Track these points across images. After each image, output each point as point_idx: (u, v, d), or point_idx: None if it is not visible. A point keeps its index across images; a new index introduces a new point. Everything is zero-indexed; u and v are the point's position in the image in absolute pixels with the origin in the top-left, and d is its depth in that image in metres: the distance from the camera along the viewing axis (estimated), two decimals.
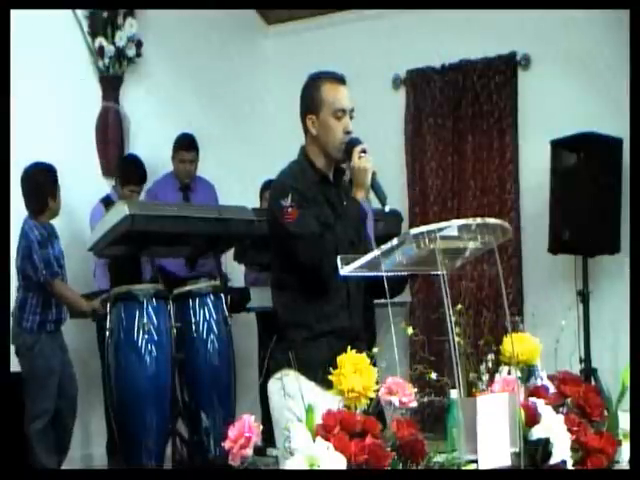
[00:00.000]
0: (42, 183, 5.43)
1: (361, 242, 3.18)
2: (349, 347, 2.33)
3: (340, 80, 3.23)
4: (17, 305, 5.31)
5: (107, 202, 6.03)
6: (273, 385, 3.08)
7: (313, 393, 2.38)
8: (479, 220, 2.49)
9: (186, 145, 6.41)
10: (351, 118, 3.21)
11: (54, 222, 5.51)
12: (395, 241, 2.42)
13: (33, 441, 5.17)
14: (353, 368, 2.23)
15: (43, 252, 5.26)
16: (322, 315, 3.14)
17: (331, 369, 2.27)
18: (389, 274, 2.51)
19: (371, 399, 2.25)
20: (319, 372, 2.67)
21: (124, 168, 6.17)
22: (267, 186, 6.56)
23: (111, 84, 6.60)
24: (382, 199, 3.13)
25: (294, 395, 2.45)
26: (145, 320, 5.07)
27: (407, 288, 6.85)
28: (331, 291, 3.14)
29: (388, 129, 7.14)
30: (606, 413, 2.64)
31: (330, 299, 3.15)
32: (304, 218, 3.08)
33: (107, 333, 5.09)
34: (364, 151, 3.13)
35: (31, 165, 5.45)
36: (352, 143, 3.16)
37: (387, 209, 3.10)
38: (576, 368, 5.29)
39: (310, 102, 3.21)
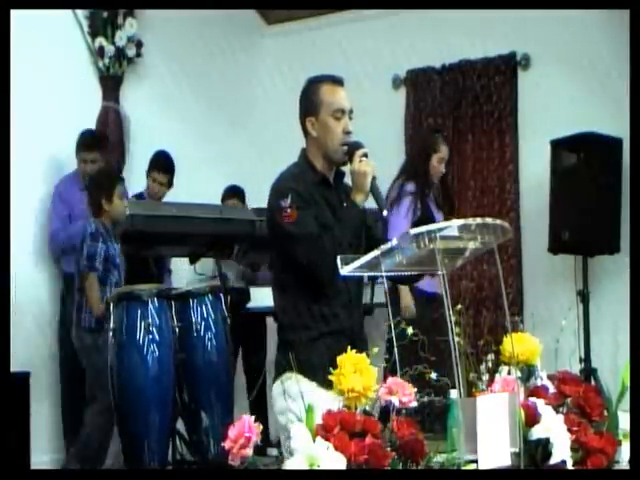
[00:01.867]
0: (99, 185, 5.52)
1: (360, 245, 3.18)
2: (350, 347, 2.33)
3: (338, 82, 3.26)
4: (75, 307, 5.42)
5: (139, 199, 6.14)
6: (277, 388, 3.08)
7: (316, 394, 2.38)
8: (479, 220, 2.49)
9: (86, 145, 6.04)
10: (350, 119, 3.22)
11: None
12: (395, 241, 2.42)
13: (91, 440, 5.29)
14: (353, 368, 2.23)
15: (93, 244, 5.33)
16: (323, 316, 3.14)
17: (332, 369, 2.27)
18: (389, 274, 2.51)
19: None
20: (321, 373, 2.68)
21: (152, 159, 6.27)
22: (229, 192, 6.57)
23: (111, 84, 6.60)
24: (380, 204, 3.15)
25: (297, 398, 2.46)
26: (149, 320, 5.07)
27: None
28: (332, 291, 3.14)
29: (388, 129, 7.14)
30: (606, 413, 2.64)
31: (331, 299, 3.15)
32: (303, 219, 3.09)
33: (110, 333, 5.09)
34: (365, 155, 3.14)
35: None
36: (354, 146, 3.17)
37: (385, 213, 3.12)
38: (576, 368, 5.29)
39: (309, 104, 3.23)
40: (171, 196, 6.33)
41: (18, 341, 5.33)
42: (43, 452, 5.67)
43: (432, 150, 5.69)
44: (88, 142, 5.98)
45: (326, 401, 2.26)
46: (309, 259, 3.07)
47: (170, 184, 6.29)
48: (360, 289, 3.30)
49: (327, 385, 2.34)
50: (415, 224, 5.18)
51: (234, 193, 6.59)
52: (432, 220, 5.29)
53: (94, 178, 5.60)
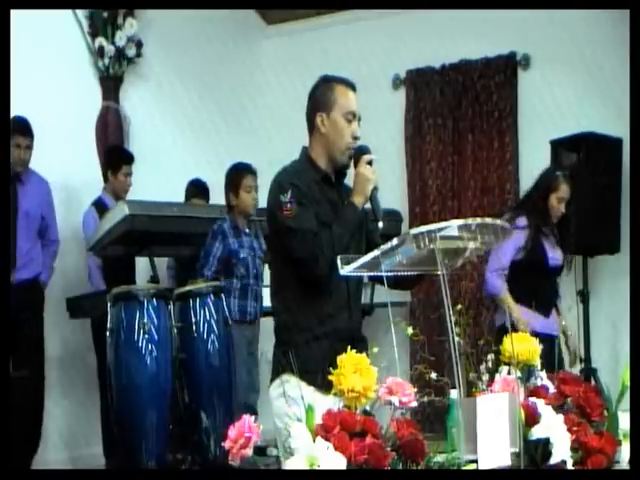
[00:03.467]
0: (228, 180, 5.61)
1: (360, 246, 3.18)
2: (349, 347, 2.32)
3: (352, 86, 3.26)
4: None
5: (99, 205, 6.04)
6: (274, 391, 3.09)
7: (312, 398, 2.38)
8: (479, 220, 2.49)
9: (22, 130, 5.67)
10: (359, 126, 3.22)
11: None
12: (395, 241, 2.41)
13: None
14: (353, 368, 2.23)
15: (208, 246, 5.45)
16: (322, 316, 3.13)
17: (331, 370, 2.27)
18: (389, 274, 2.50)
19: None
20: (318, 376, 2.68)
21: (111, 155, 6.28)
22: (192, 186, 6.56)
23: (111, 84, 6.61)
24: (377, 215, 3.13)
25: (294, 401, 2.46)
26: (145, 320, 5.06)
27: None
28: (331, 291, 3.13)
29: (388, 129, 7.14)
30: (606, 413, 2.64)
31: (330, 299, 3.14)
32: (303, 214, 3.08)
33: (107, 333, 5.09)
34: (370, 163, 3.14)
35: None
36: (361, 150, 3.17)
37: (380, 225, 3.10)
38: (576, 368, 5.30)
39: (322, 100, 3.21)
40: (171, 196, 6.33)
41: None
42: (43, 452, 5.68)
43: (552, 189, 5.49)
44: (24, 128, 5.70)
45: (323, 405, 2.25)
46: (306, 254, 3.06)
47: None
48: (359, 289, 3.29)
49: (324, 388, 2.33)
50: (524, 259, 5.09)
51: (198, 191, 6.60)
52: (542, 256, 5.14)
53: (227, 173, 5.64)
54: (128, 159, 6.22)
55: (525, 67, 6.87)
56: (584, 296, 6.14)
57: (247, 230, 5.61)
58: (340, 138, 3.18)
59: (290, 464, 2.08)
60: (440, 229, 2.40)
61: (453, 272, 2.54)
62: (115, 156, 6.26)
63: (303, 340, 3.12)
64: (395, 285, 3.02)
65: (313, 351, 3.07)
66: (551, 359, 2.75)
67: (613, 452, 2.54)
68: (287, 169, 3.23)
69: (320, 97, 3.23)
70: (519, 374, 2.59)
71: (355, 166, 3.17)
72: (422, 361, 2.43)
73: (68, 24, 6.41)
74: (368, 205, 3.17)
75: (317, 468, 2.04)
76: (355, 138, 3.19)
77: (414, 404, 2.31)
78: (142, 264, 6.04)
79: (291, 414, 2.78)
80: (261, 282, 5.66)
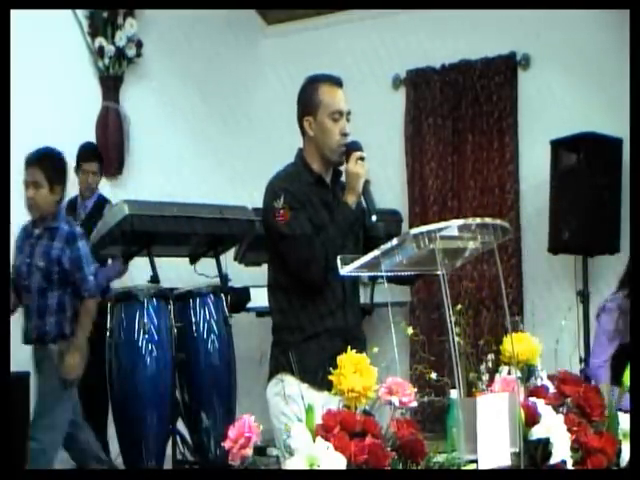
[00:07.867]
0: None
1: (357, 245, 3.19)
2: (348, 347, 2.33)
3: (337, 83, 3.26)
4: None
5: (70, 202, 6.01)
6: (271, 389, 3.12)
7: (307, 395, 2.39)
8: (479, 220, 2.49)
9: None
10: (348, 121, 3.24)
11: None
12: (395, 241, 2.41)
13: None
14: (353, 368, 2.23)
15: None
16: (316, 317, 3.16)
17: (327, 369, 2.27)
18: (389, 274, 2.51)
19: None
20: (313, 374, 2.70)
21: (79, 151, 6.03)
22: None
23: (111, 84, 6.61)
24: (370, 209, 3.15)
25: (290, 401, 2.47)
26: (145, 320, 5.07)
27: (407, 288, 6.85)
28: (326, 292, 3.15)
29: (388, 129, 7.14)
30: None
31: (325, 299, 3.16)
32: (296, 219, 3.10)
33: (107, 333, 5.09)
34: (362, 158, 3.15)
35: None
36: (352, 147, 3.18)
37: (374, 219, 3.12)
38: (576, 368, 5.28)
39: (307, 104, 3.24)
40: (171, 196, 6.33)
41: (18, 341, 5.34)
42: None
43: None
44: None
45: (318, 402, 2.26)
46: (299, 259, 3.09)
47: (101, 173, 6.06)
48: (356, 289, 3.30)
49: (319, 387, 2.33)
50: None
51: None
52: None
53: None
54: (81, 157, 5.92)
55: (525, 67, 6.86)
56: (584, 296, 6.14)
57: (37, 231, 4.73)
58: (329, 139, 3.20)
59: (290, 464, 2.08)
60: (440, 229, 2.41)
61: (453, 272, 2.54)
62: (83, 151, 5.95)
63: (296, 340, 3.15)
64: (397, 279, 3.03)
65: (306, 350, 3.11)
66: None
67: (613, 452, 2.54)
68: (280, 174, 3.26)
69: (306, 101, 3.25)
70: (519, 374, 2.59)
71: (346, 163, 3.19)
72: (422, 361, 2.43)
73: (68, 24, 6.41)
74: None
75: (317, 468, 2.04)
76: (344, 135, 3.20)
77: (414, 404, 2.31)
78: (142, 264, 6.03)
79: (288, 412, 2.81)
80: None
